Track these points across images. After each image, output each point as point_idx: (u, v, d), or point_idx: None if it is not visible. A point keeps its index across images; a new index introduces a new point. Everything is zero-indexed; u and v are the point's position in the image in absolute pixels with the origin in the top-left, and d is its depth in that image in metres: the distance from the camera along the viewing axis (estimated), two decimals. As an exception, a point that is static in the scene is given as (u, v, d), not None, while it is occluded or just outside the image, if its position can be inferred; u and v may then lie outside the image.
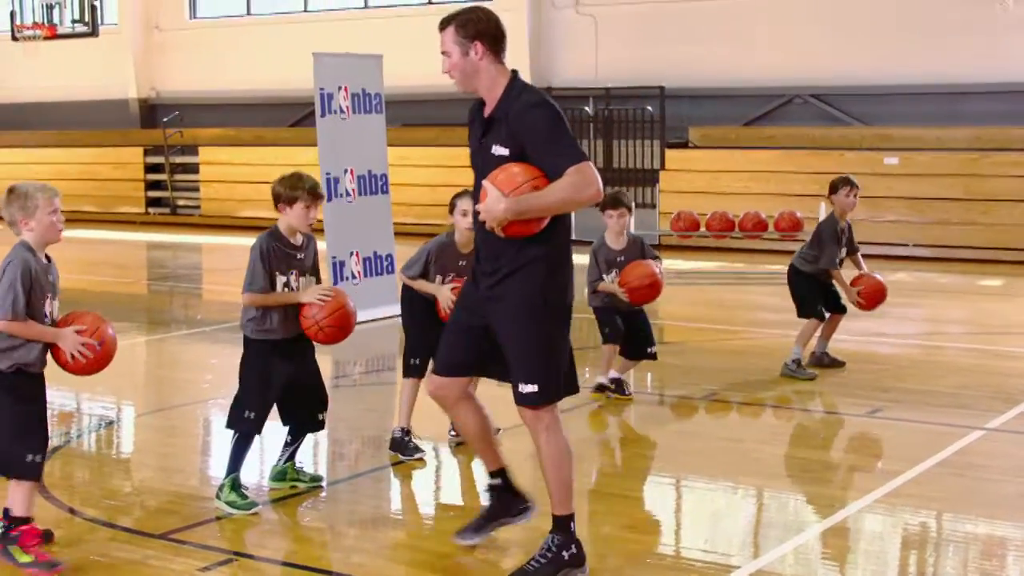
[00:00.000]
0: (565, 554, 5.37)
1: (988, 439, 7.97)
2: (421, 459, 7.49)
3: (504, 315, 5.30)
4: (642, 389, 9.64)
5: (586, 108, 21.64)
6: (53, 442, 7.98)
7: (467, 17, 5.33)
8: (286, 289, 6.48)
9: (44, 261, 5.62)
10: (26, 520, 5.57)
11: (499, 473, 5.78)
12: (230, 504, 6.46)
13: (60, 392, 9.49)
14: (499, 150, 5.22)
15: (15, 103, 29.42)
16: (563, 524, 5.40)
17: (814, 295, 9.86)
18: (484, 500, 5.93)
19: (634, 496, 7.06)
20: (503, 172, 5.13)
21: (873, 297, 9.91)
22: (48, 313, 5.59)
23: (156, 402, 9.73)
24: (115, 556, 5.81)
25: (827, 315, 9.89)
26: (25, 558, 5.47)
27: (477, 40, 5.28)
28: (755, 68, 20.87)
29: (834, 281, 9.90)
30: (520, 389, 5.31)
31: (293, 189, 6.45)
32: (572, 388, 5.47)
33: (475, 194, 5.34)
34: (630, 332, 8.88)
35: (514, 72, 5.38)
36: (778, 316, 10.75)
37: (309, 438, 7.55)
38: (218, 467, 7.09)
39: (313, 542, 6.11)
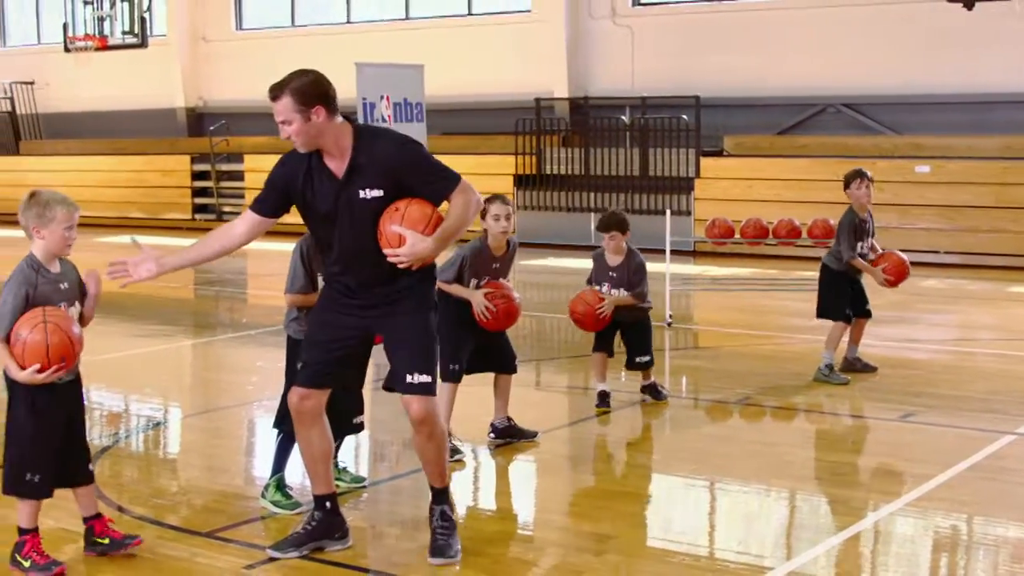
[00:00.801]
0: (454, 516, 5.98)
1: (1019, 443, 7.99)
2: (460, 460, 7.58)
3: (401, 316, 5.67)
4: (677, 393, 9.72)
5: (622, 117, 21.74)
6: (103, 442, 8.16)
7: (301, 84, 5.49)
8: None
9: (54, 271, 5.59)
10: (28, 531, 5.67)
11: (330, 497, 6.01)
12: (275, 503, 6.57)
13: (109, 394, 9.73)
14: (371, 192, 5.52)
15: (68, 112, 29.89)
16: (447, 492, 5.99)
17: (842, 296, 9.90)
18: (312, 517, 5.99)
19: (668, 498, 7.17)
20: (399, 214, 5.47)
21: (898, 272, 10.03)
22: None
23: (202, 404, 9.89)
24: (162, 553, 5.93)
25: (853, 319, 9.96)
26: (25, 563, 5.63)
27: (317, 104, 5.47)
28: (789, 78, 20.93)
29: (859, 268, 9.93)
30: (414, 380, 5.65)
31: None
32: None
33: (345, 242, 5.61)
34: (625, 341, 9.02)
35: (349, 118, 5.66)
36: (811, 322, 10.80)
37: (351, 442, 7.70)
38: (262, 467, 7.22)
39: (356, 541, 6.14)
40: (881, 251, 10.17)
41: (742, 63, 21.21)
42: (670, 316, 12.69)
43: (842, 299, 9.92)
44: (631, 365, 9.04)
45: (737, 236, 12.78)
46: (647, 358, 9.02)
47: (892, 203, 18.54)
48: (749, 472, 7.45)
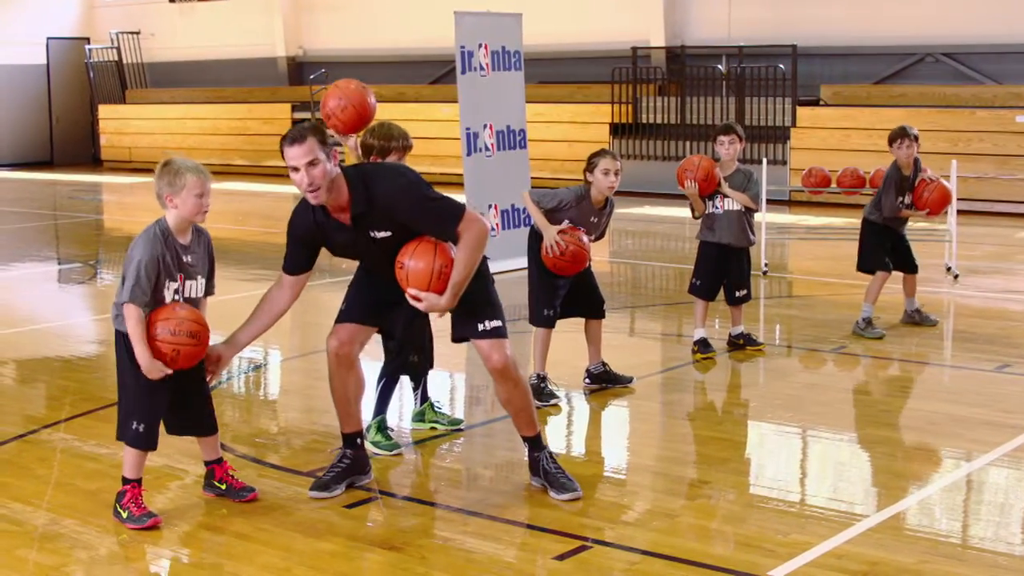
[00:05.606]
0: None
1: (1120, 396, 7.89)
2: (556, 405, 7.67)
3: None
4: (771, 341, 9.71)
5: (719, 66, 21.54)
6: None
7: (318, 127, 5.60)
8: None
9: (182, 242, 5.58)
10: (130, 481, 5.70)
11: (360, 434, 6.18)
12: (375, 445, 6.68)
13: (212, 336, 9.92)
14: (380, 233, 5.62)
15: (172, 62, 30.35)
16: (542, 437, 6.15)
17: (880, 247, 9.80)
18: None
19: (761, 445, 7.20)
20: (404, 272, 5.52)
21: (938, 203, 9.89)
22: (184, 296, 5.66)
23: (301, 347, 10.08)
24: (264, 492, 6.04)
25: (892, 270, 9.81)
26: (123, 513, 5.66)
27: (332, 149, 5.54)
28: (886, 27, 20.55)
29: (904, 217, 9.83)
30: (486, 326, 5.77)
31: (384, 140, 6.80)
32: None
33: (375, 269, 5.82)
34: (728, 275, 9.03)
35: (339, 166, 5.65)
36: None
37: (447, 385, 7.81)
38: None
39: (453, 483, 6.30)
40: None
41: (839, 12, 20.88)
42: (766, 265, 12.65)
43: (881, 250, 9.81)
44: (731, 300, 9.07)
45: (833, 185, 12.69)
46: (745, 291, 9.07)
47: (991, 153, 18.19)
48: (842, 420, 7.46)
